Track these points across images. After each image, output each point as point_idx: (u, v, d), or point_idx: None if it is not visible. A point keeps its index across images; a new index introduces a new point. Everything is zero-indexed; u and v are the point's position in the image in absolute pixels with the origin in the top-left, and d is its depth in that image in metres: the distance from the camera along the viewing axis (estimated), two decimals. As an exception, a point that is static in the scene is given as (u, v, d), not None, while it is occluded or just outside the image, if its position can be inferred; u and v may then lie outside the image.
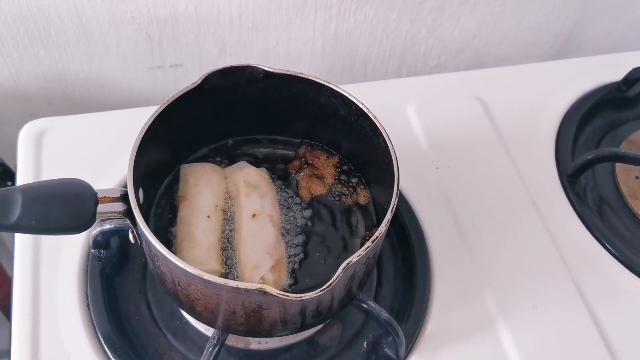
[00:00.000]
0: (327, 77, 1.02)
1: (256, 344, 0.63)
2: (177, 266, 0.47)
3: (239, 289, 0.46)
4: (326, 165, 0.66)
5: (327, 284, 0.46)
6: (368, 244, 0.49)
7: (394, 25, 0.96)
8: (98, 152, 0.74)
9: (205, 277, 0.46)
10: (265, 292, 0.46)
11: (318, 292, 0.46)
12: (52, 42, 0.83)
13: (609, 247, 0.72)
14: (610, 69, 0.91)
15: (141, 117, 0.55)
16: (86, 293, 0.63)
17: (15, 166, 0.75)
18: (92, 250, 0.64)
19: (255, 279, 0.56)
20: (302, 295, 0.46)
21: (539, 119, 0.84)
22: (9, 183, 0.77)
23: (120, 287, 0.65)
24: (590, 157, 0.75)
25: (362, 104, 0.59)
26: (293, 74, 0.60)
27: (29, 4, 0.77)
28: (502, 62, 1.11)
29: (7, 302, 0.66)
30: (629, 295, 0.69)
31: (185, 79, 0.95)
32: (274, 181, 0.65)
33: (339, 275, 0.46)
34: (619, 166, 0.81)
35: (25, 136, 0.74)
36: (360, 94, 0.62)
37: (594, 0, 1.03)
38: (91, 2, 0.79)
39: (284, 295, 0.46)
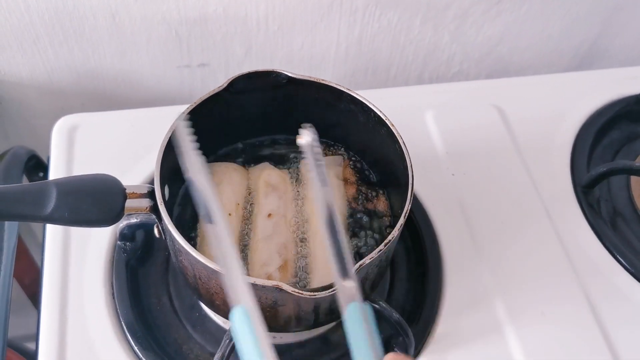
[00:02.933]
0: (350, 80, 1.05)
1: (271, 338, 0.64)
2: (199, 261, 0.50)
3: (256, 285, 0.49)
4: (345, 169, 0.68)
5: (340, 283, 0.48)
6: (381, 247, 0.51)
7: (417, 31, 0.97)
8: (126, 147, 0.77)
9: (224, 273, 0.49)
10: (281, 289, 0.48)
11: (331, 291, 0.48)
12: (86, 40, 0.86)
13: (620, 259, 0.72)
14: (630, 82, 0.91)
15: (168, 116, 0.58)
16: (111, 283, 0.65)
17: (48, 158, 0.78)
18: (119, 242, 0.67)
19: (261, 276, 0.58)
20: (315, 293, 0.49)
21: (556, 129, 0.85)
22: (41, 174, 0.80)
23: (144, 279, 0.68)
24: (604, 169, 0.75)
25: (380, 111, 0.61)
26: (315, 80, 0.62)
27: (65, 2, 0.80)
28: (525, 70, 1.11)
29: (34, 289, 0.68)
30: (638, 306, 0.70)
31: (212, 78, 0.98)
32: (294, 183, 0.67)
33: (351, 276, 0.49)
34: (634, 179, 0.81)
35: (59, 130, 0.77)
36: (380, 99, 0.63)
37: (618, 11, 1.03)
38: (125, 2, 0.82)
39: (298, 292, 0.48)
